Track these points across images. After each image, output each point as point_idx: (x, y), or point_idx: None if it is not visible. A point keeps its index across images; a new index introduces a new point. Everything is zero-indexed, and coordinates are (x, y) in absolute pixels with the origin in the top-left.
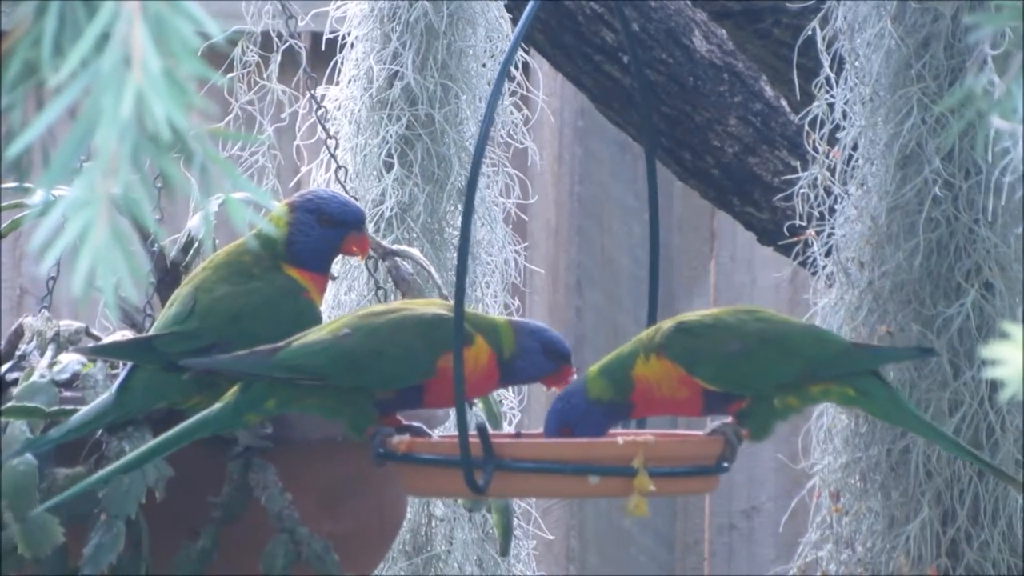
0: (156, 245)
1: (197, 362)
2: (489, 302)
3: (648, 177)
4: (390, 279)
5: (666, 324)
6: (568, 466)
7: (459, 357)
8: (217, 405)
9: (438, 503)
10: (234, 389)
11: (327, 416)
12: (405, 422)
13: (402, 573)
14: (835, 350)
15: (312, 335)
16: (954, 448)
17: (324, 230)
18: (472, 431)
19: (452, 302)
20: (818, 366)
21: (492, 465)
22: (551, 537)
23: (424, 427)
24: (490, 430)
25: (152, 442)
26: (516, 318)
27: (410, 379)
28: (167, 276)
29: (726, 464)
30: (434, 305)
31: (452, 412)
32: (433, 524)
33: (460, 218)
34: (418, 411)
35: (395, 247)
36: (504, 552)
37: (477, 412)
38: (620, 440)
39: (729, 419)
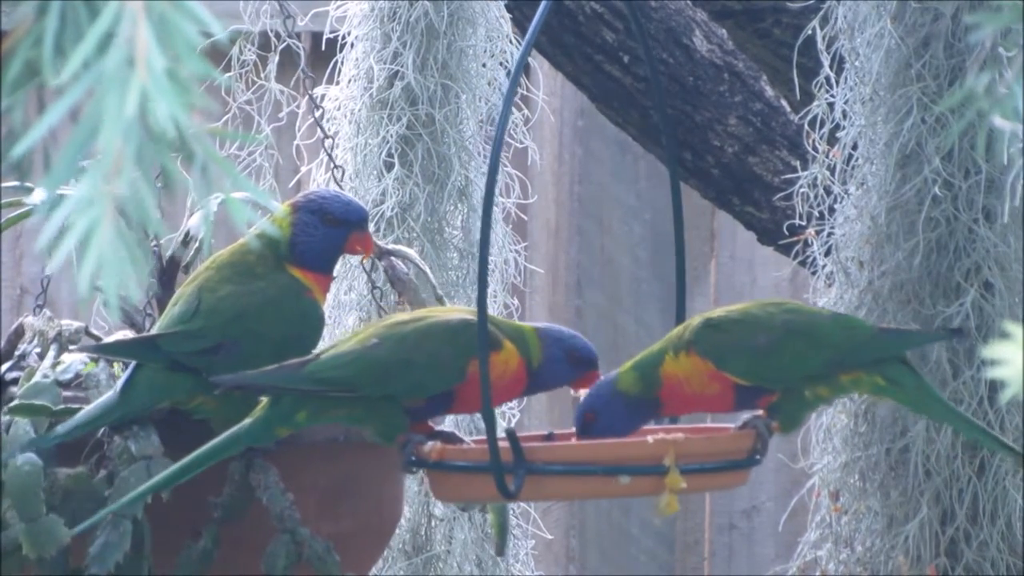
0: (156, 245)
1: (227, 379)
2: (489, 302)
3: (672, 194)
4: (387, 279)
5: (694, 320)
6: (599, 467)
7: (485, 362)
8: (247, 420)
9: (437, 503)
10: (264, 403)
11: (357, 426)
12: (436, 428)
13: (402, 573)
14: (862, 337)
15: (340, 346)
16: (985, 438)
17: (328, 229)
18: (501, 435)
19: (473, 307)
20: (846, 354)
21: (523, 470)
22: (551, 537)
23: (455, 433)
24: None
25: (185, 459)
26: (541, 324)
27: (441, 385)
28: (163, 276)
29: (758, 457)
30: (459, 311)
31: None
32: (433, 524)
33: (460, 218)
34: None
35: (391, 247)
36: (500, 552)
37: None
38: (650, 439)
39: (759, 412)
